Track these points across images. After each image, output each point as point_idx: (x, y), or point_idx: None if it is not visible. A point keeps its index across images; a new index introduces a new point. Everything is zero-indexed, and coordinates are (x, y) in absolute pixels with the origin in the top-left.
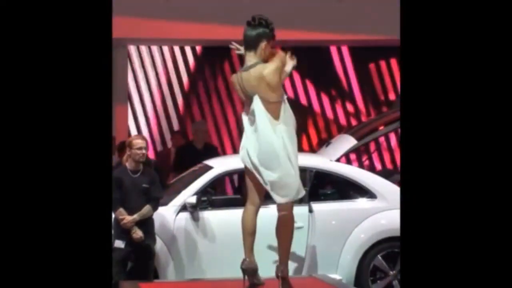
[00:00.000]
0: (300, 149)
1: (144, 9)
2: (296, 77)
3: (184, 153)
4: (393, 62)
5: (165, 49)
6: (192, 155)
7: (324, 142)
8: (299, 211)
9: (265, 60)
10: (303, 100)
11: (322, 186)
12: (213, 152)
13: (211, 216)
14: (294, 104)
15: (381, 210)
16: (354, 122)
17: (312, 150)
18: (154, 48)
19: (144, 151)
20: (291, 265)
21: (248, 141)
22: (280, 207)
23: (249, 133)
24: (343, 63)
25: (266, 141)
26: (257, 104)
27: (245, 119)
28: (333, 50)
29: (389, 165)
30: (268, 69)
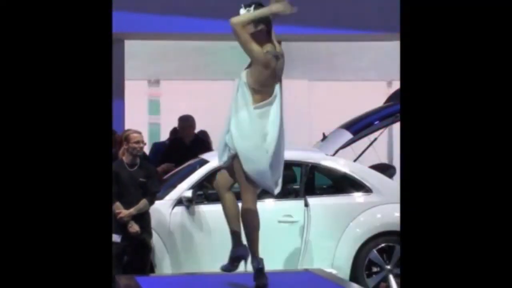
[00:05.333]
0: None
1: (142, 3)
2: None
3: (173, 149)
4: None
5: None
6: (181, 151)
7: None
8: (295, 205)
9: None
10: None
11: (317, 180)
12: (202, 146)
13: (206, 210)
14: None
15: (376, 204)
16: None
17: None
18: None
19: (141, 145)
20: (287, 259)
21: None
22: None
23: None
24: None
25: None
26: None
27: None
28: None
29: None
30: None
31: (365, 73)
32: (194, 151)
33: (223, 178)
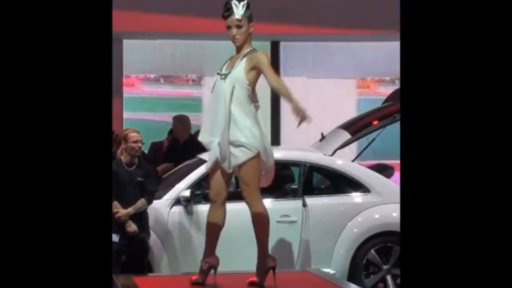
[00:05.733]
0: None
1: (141, 3)
2: None
3: (169, 149)
4: None
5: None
6: (176, 151)
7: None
8: (293, 205)
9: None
10: None
11: (316, 180)
12: (197, 145)
13: (205, 210)
14: None
15: (374, 204)
16: None
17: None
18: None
19: (140, 145)
20: (285, 259)
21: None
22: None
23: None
24: None
25: None
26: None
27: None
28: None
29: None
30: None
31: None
32: (189, 151)
33: (220, 187)
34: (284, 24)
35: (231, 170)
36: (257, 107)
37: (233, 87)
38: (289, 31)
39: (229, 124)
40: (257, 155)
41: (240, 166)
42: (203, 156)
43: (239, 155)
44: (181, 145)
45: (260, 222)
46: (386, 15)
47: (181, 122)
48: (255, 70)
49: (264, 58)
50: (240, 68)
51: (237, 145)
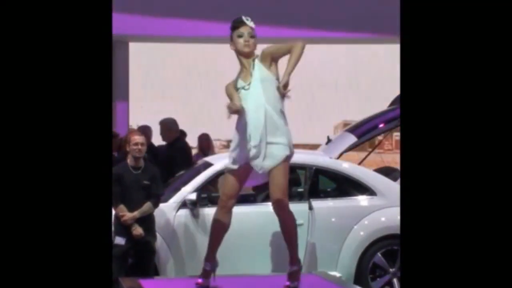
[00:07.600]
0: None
1: (146, 6)
2: None
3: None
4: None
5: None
6: (160, 155)
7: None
8: (299, 208)
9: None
10: None
11: (322, 183)
12: (179, 149)
13: (211, 213)
14: None
15: (380, 207)
16: None
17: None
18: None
19: (140, 147)
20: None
21: None
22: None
23: None
24: None
25: None
26: None
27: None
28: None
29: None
30: None
31: None
32: (173, 154)
33: (235, 192)
34: (287, 26)
35: (261, 171)
36: (287, 97)
37: (263, 89)
38: (292, 34)
39: (266, 125)
40: (291, 155)
41: (275, 167)
42: (209, 159)
43: (276, 155)
44: (168, 147)
45: (291, 225)
46: (387, 17)
47: (167, 126)
48: (274, 62)
49: (271, 47)
50: (260, 68)
51: (275, 143)
